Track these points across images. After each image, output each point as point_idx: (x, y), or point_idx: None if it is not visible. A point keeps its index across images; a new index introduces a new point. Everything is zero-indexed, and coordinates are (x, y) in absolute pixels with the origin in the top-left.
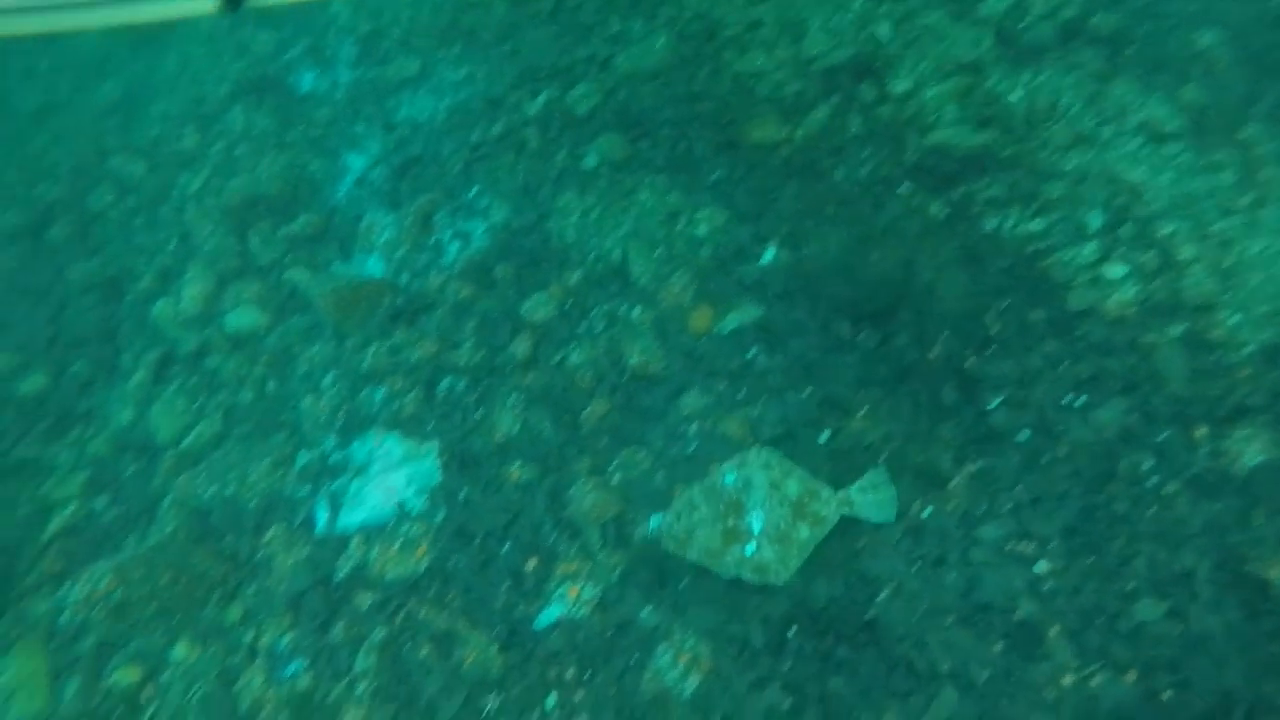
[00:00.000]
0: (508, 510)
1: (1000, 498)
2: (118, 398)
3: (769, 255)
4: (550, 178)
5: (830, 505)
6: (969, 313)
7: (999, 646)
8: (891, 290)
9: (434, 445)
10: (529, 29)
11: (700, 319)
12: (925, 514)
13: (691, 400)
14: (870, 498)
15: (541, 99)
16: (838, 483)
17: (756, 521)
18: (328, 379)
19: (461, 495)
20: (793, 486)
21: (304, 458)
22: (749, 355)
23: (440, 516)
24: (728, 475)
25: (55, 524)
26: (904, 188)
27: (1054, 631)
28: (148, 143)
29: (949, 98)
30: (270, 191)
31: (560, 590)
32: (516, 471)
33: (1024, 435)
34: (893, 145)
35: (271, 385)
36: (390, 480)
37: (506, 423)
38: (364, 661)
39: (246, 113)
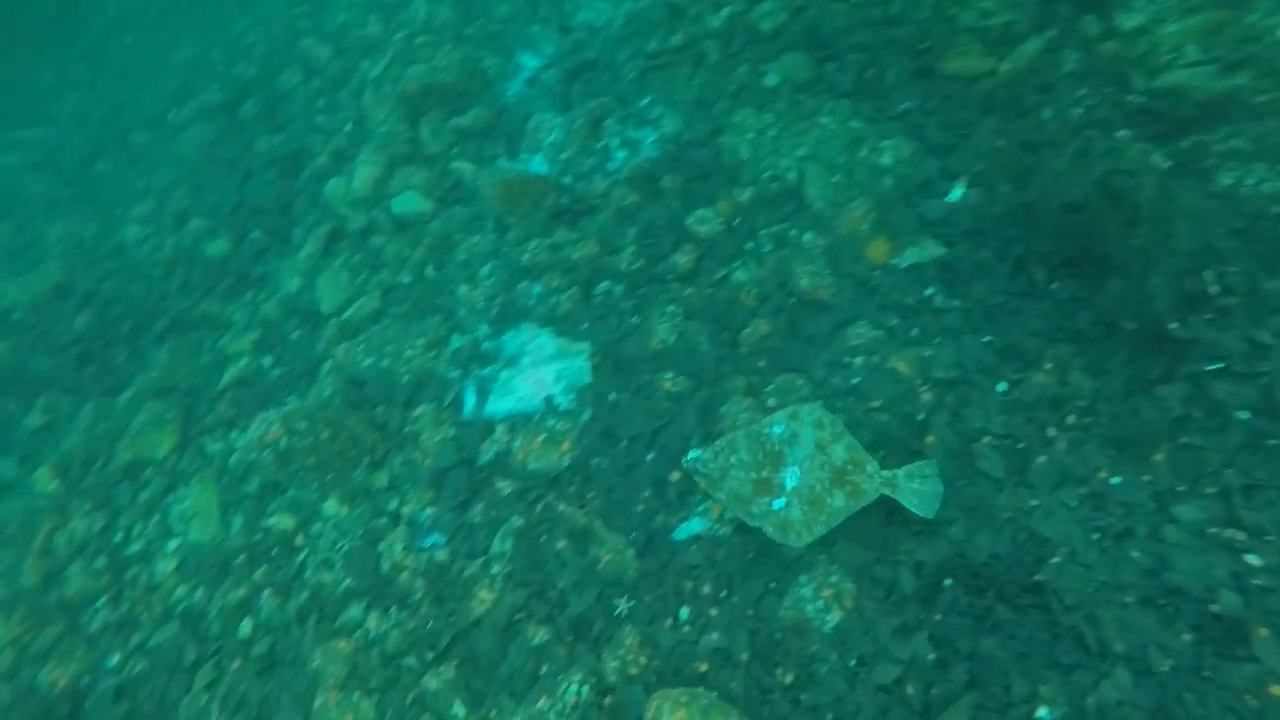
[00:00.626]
0: (656, 418)
1: (1207, 478)
2: (289, 267)
3: (957, 192)
4: (728, 93)
5: (873, 481)
6: (1187, 272)
7: (1188, 637)
8: (1094, 240)
9: (586, 345)
10: None
11: (877, 250)
12: (1114, 481)
13: (860, 332)
14: (915, 486)
15: (725, 12)
16: (1014, 435)
17: (792, 478)
18: (485, 269)
19: (610, 398)
20: (839, 452)
21: (456, 342)
22: (927, 293)
23: (587, 416)
24: (776, 425)
25: (230, 374)
26: (1122, 133)
27: (1263, 633)
28: (335, 29)
29: (1192, 35)
30: (445, 82)
31: (704, 505)
32: (669, 382)
33: (1244, 414)
34: (1114, 85)
35: (430, 270)
36: (540, 374)
37: (662, 332)
38: (500, 545)
39: (429, 4)
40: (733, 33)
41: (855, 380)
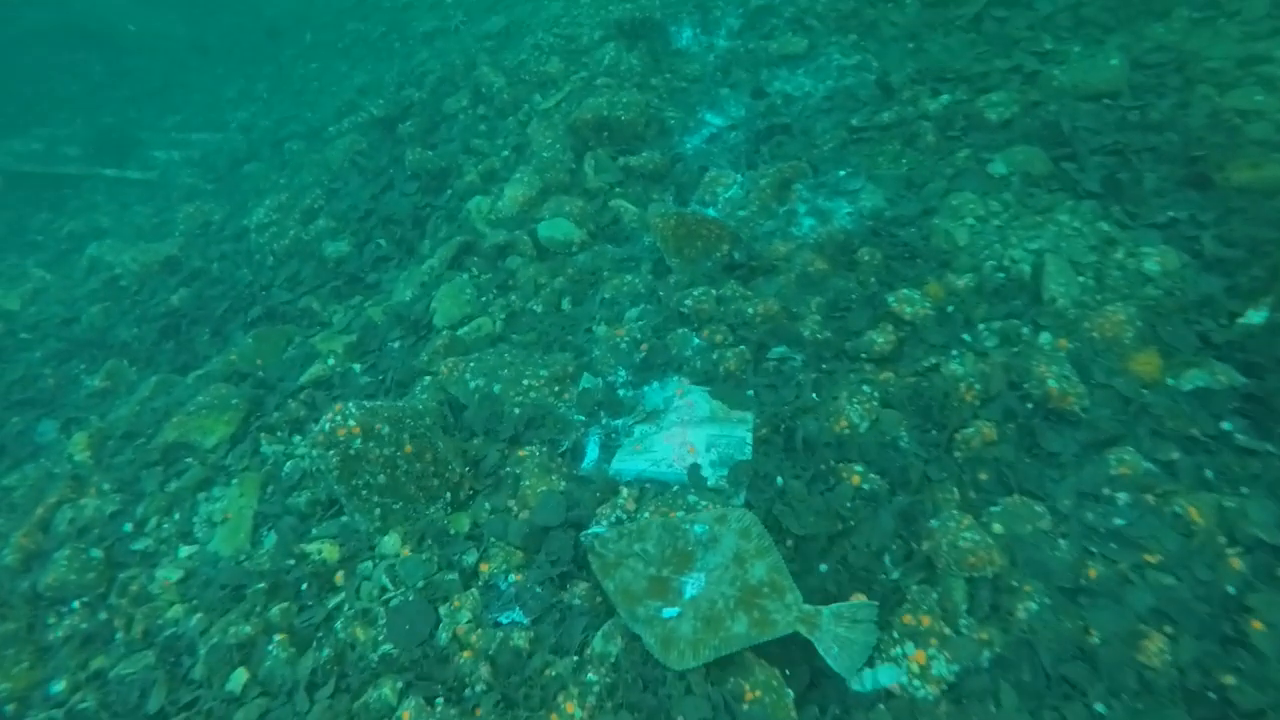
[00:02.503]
0: (836, 519)
1: None
2: (407, 278)
3: (1258, 317)
4: (944, 175)
5: (789, 613)
6: None
7: None
8: None
9: (750, 415)
10: (940, 31)
11: (1145, 365)
12: None
13: (1126, 458)
14: (841, 631)
15: (944, 99)
16: None
17: (693, 586)
18: (634, 311)
19: (777, 481)
20: (758, 570)
21: (587, 382)
22: (1223, 427)
23: (741, 499)
24: (698, 525)
25: (313, 371)
26: None
27: None
28: (514, 64)
29: None
30: (621, 119)
31: (899, 650)
32: (857, 476)
33: None
34: None
35: (568, 302)
36: (687, 437)
37: (853, 416)
38: (604, 645)
39: (617, 51)
40: (952, 118)
41: (1119, 521)
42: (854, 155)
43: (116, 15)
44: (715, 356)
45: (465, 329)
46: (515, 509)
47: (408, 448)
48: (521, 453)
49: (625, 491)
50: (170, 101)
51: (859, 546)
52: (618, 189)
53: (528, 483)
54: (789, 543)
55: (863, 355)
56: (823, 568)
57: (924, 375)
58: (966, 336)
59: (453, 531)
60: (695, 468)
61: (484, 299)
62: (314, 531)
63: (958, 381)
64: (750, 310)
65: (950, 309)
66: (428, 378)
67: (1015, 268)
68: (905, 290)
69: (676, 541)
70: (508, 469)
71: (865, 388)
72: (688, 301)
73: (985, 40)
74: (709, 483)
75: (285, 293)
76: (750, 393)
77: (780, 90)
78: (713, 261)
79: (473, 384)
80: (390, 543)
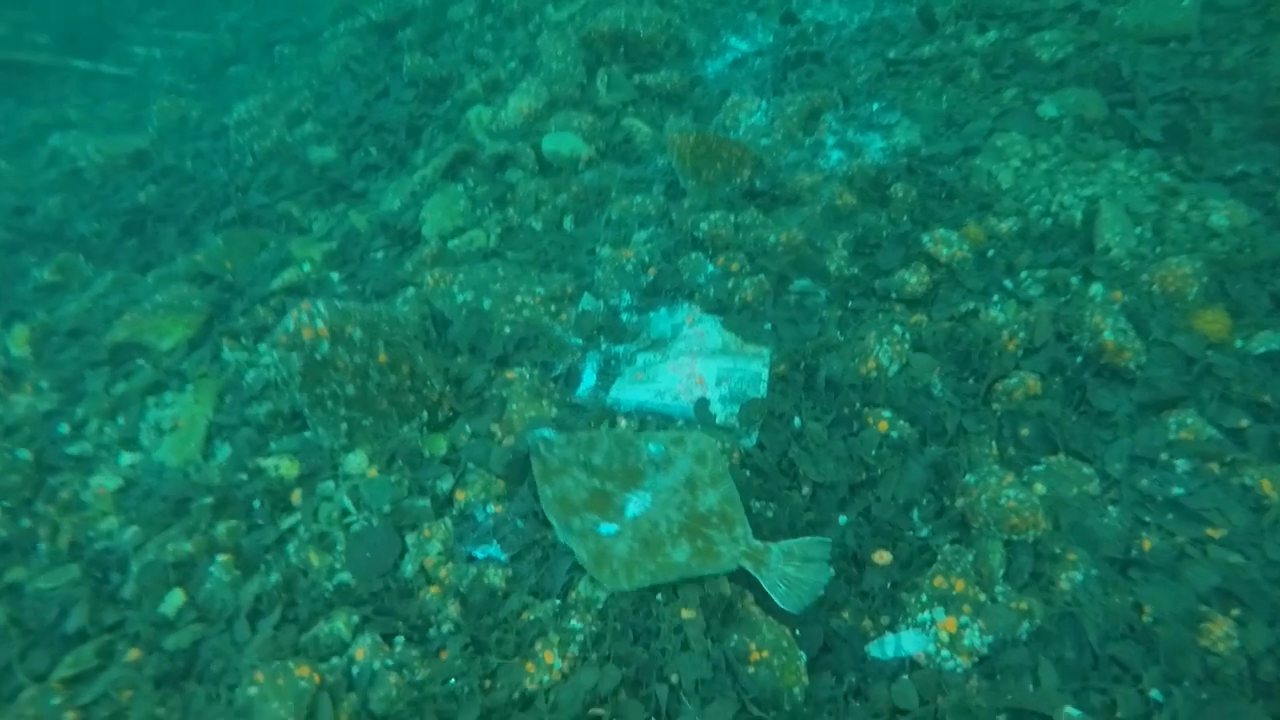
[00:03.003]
0: (860, 467)
1: None
2: (396, 187)
3: None
4: (988, 114)
5: (735, 547)
6: None
7: None
8: None
9: (767, 350)
10: None
11: (1211, 323)
12: None
13: (1188, 422)
14: (791, 571)
15: (991, 35)
16: None
17: (637, 504)
18: (643, 234)
19: (794, 422)
20: (709, 498)
21: (587, 304)
22: None
23: (753, 439)
24: (653, 444)
25: (286, 277)
26: None
27: None
28: None
29: None
30: (639, 34)
31: (925, 615)
32: (884, 422)
33: None
34: None
35: (570, 220)
36: (695, 368)
37: (882, 358)
38: (590, 590)
39: None
40: (1000, 56)
41: (1178, 490)
42: (889, 89)
43: None
44: (731, 285)
45: (456, 241)
46: (499, 434)
47: (382, 357)
48: (510, 374)
49: (623, 423)
50: None
51: (884, 499)
52: (631, 108)
53: (515, 407)
54: (805, 490)
55: (893, 295)
56: (842, 519)
57: (961, 320)
58: (1008, 283)
59: (427, 454)
60: (703, 402)
61: (479, 212)
62: (273, 446)
63: (999, 329)
64: (772, 239)
65: (990, 253)
66: (411, 289)
67: (1065, 214)
68: (942, 230)
69: (627, 457)
70: (493, 391)
71: (897, 328)
72: (703, 225)
73: None
74: (717, 419)
75: (263, 195)
76: (768, 326)
77: (813, 18)
78: (732, 187)
79: (460, 297)
80: (356, 461)
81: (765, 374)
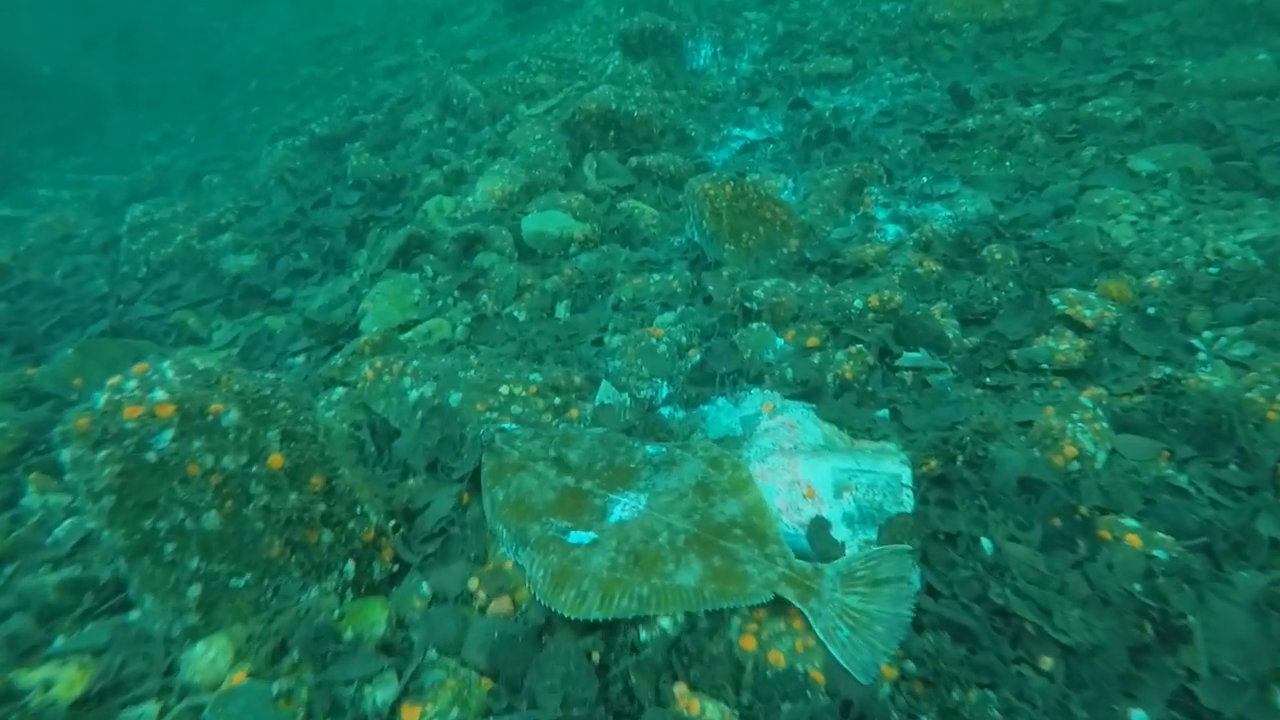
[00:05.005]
0: (1137, 616)
1: None
2: (331, 289)
3: None
4: (1067, 175)
5: (771, 567)
6: None
7: None
8: None
9: (894, 442)
10: (1009, 54)
11: None
12: None
13: None
14: (853, 602)
15: (1038, 107)
16: None
17: (624, 509)
18: (669, 315)
19: (983, 545)
20: (731, 506)
21: (607, 395)
22: None
23: (916, 579)
24: (651, 446)
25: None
26: None
27: None
28: (493, 83)
29: None
30: (633, 115)
31: None
32: (1134, 536)
33: None
34: None
35: (565, 307)
36: (798, 473)
37: (1084, 443)
38: None
39: (623, 62)
40: (1058, 123)
41: None
42: (935, 162)
43: (33, 58)
44: (818, 362)
45: (410, 335)
46: (481, 595)
47: (275, 459)
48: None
49: None
50: (76, 145)
51: (1202, 671)
52: (628, 194)
53: (503, 550)
54: (1046, 660)
55: (1044, 366)
56: (1138, 717)
57: (1162, 391)
58: (1198, 343)
59: (351, 635)
60: (820, 524)
61: (440, 303)
62: (58, 642)
63: (1241, 396)
64: (858, 303)
65: (1152, 310)
66: (339, 389)
67: (1231, 261)
68: (1073, 291)
69: (615, 455)
70: (467, 525)
71: (1085, 401)
72: (757, 294)
73: (1068, 59)
74: (848, 548)
75: (153, 307)
76: (883, 413)
77: (825, 105)
78: (778, 258)
79: (414, 394)
80: (208, 658)
81: (907, 476)
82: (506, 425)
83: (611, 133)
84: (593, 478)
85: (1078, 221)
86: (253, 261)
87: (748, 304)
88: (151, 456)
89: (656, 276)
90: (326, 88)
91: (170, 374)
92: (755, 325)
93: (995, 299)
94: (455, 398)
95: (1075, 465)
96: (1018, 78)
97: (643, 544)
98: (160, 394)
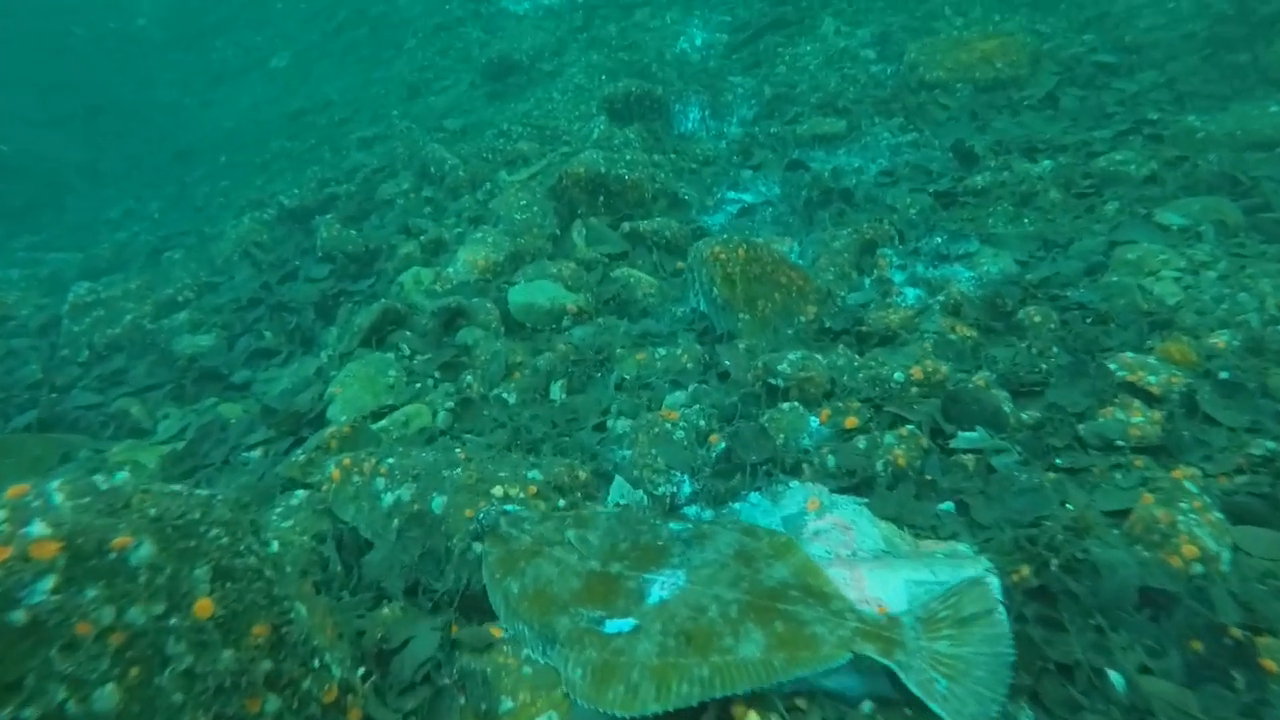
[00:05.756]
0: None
1: None
2: (296, 371)
3: None
4: (1092, 230)
5: (841, 624)
6: None
7: None
8: None
9: (966, 543)
10: (1005, 112)
11: None
12: None
13: None
14: (943, 648)
15: (1047, 163)
16: None
17: (664, 586)
18: (679, 395)
19: (1115, 681)
20: (779, 570)
21: (621, 494)
22: None
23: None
24: (674, 523)
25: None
26: None
27: None
28: (473, 150)
29: None
30: (623, 179)
31: None
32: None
33: None
34: None
35: (560, 388)
36: (864, 590)
37: (1204, 541)
38: None
39: (609, 126)
40: (1071, 179)
41: None
42: (947, 220)
43: None
44: (864, 447)
45: (385, 423)
46: None
47: (202, 605)
48: (495, 631)
49: None
50: (32, 223)
51: None
52: (621, 262)
53: (519, 700)
54: None
55: (1118, 443)
56: None
57: (1272, 471)
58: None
59: None
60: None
61: (419, 385)
62: None
63: None
64: (898, 376)
65: (1225, 374)
66: (300, 492)
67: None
68: (1130, 356)
69: (638, 534)
70: (466, 669)
71: (1190, 487)
72: (782, 368)
73: (1068, 116)
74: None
75: (92, 395)
76: (947, 506)
77: (823, 167)
78: (796, 328)
79: (389, 498)
80: None
81: (996, 587)
82: (510, 507)
83: (601, 198)
84: (619, 559)
85: (1114, 279)
86: (210, 341)
87: (772, 380)
88: (19, 617)
89: (662, 351)
90: (298, 160)
91: (59, 498)
92: (786, 405)
93: (1043, 366)
94: (439, 502)
95: (1198, 568)
96: (1019, 135)
97: (692, 621)
98: (40, 528)
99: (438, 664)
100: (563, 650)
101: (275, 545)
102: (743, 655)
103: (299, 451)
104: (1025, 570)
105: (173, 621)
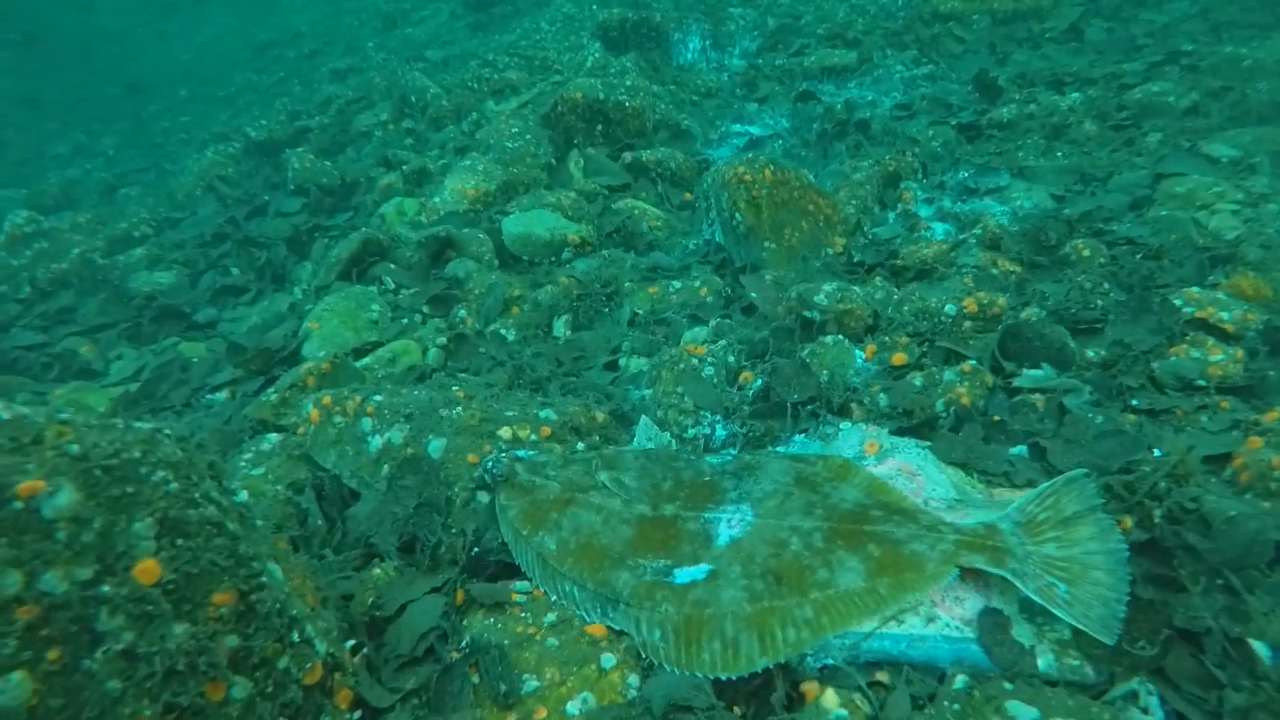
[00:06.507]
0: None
1: None
2: (266, 308)
3: None
4: (1133, 163)
5: (939, 539)
6: None
7: None
8: None
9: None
10: (1026, 44)
11: None
12: None
13: None
14: (1053, 550)
15: (1075, 96)
16: None
17: (734, 524)
18: (699, 330)
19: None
20: (849, 493)
21: (647, 434)
22: None
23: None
24: (711, 456)
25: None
26: None
27: None
28: (457, 81)
29: None
30: (624, 105)
31: None
32: None
33: None
34: None
35: (564, 324)
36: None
37: None
38: None
39: (604, 55)
40: (1105, 110)
41: None
42: (971, 154)
43: None
44: (919, 384)
45: (369, 360)
46: None
47: (145, 567)
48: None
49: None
50: None
51: None
52: (624, 193)
53: (546, 679)
54: None
55: (1199, 383)
56: None
57: None
58: None
59: None
60: (995, 619)
61: (405, 320)
62: None
63: None
64: (949, 309)
65: None
66: (271, 436)
67: None
68: (1195, 290)
69: (679, 471)
70: (478, 641)
71: None
72: (819, 299)
73: (1094, 49)
74: (1044, 664)
75: (34, 334)
76: (1019, 450)
77: (834, 99)
78: (824, 260)
79: (377, 440)
80: None
81: (1119, 541)
82: (522, 452)
83: (599, 126)
84: (669, 500)
85: (1163, 213)
86: (170, 279)
87: (807, 313)
88: None
89: (677, 284)
90: (266, 94)
91: None
92: (829, 339)
93: (1099, 303)
94: (437, 445)
95: None
96: (1043, 67)
97: (775, 558)
98: None
99: (443, 634)
100: (630, 610)
101: (243, 494)
102: (844, 586)
103: (270, 391)
104: (1128, 521)
105: (105, 589)
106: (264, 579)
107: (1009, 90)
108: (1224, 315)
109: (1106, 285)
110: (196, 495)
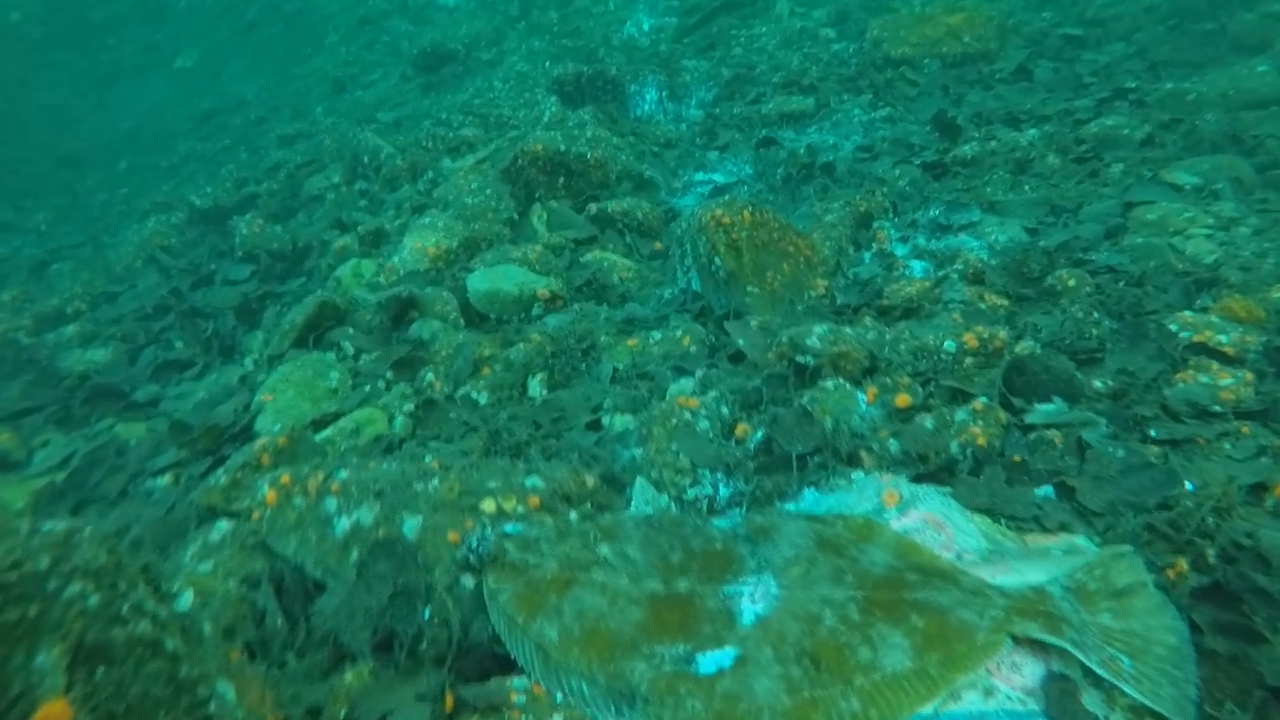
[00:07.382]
0: None
1: None
2: (213, 382)
3: None
4: (1101, 194)
5: (988, 605)
6: None
7: None
8: None
9: (1087, 541)
10: (978, 86)
11: None
12: None
13: None
14: (1109, 621)
15: (1033, 132)
16: None
17: (755, 600)
18: (685, 382)
19: None
20: (877, 555)
21: (642, 497)
22: None
23: None
24: (717, 520)
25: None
26: None
27: None
28: (411, 141)
29: None
30: (585, 158)
31: None
32: None
33: None
34: None
35: (539, 383)
36: None
37: None
38: None
39: (560, 109)
40: (1064, 145)
41: None
42: (940, 191)
43: None
44: (930, 426)
45: (330, 432)
46: None
47: (51, 710)
48: (509, 691)
49: None
50: None
51: None
52: (591, 246)
53: None
54: None
55: (1214, 409)
56: None
57: None
58: None
59: None
60: (1061, 686)
61: (367, 388)
62: None
63: None
64: (949, 345)
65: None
66: (222, 523)
67: None
68: (1188, 314)
69: (687, 539)
70: None
71: None
72: (811, 342)
73: (1044, 88)
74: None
75: None
76: (1046, 491)
77: (795, 145)
78: (805, 304)
79: (344, 522)
80: None
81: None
82: (510, 526)
83: (561, 179)
84: (681, 574)
85: (1139, 240)
86: (106, 355)
87: (800, 358)
88: None
89: (657, 335)
90: (211, 162)
91: None
92: (829, 384)
93: (1094, 332)
94: (412, 524)
95: None
96: (997, 106)
97: (809, 637)
98: None
99: None
100: (650, 709)
101: (188, 598)
102: (890, 668)
103: (220, 472)
104: (1182, 564)
105: None
106: (212, 707)
107: (968, 129)
108: (1222, 338)
109: (1096, 314)
110: (124, 609)
